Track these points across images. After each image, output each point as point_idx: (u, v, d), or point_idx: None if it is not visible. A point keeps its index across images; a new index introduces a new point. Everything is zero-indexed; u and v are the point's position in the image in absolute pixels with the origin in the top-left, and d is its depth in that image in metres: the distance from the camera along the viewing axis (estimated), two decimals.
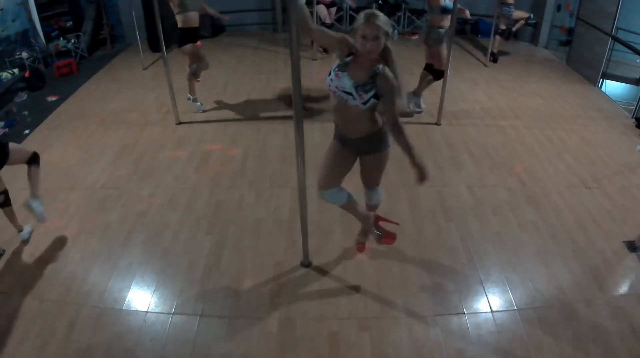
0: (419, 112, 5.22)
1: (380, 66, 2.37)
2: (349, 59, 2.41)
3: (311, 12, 6.75)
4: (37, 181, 3.32)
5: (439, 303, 2.85)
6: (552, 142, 4.72)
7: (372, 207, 3.03)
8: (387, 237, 3.00)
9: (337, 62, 2.46)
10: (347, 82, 2.38)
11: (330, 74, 2.45)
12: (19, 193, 3.83)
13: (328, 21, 7.12)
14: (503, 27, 6.96)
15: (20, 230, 3.39)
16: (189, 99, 5.30)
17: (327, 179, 2.70)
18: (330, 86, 2.44)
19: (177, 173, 4.21)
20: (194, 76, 5.14)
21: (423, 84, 5.11)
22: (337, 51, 2.46)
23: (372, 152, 2.67)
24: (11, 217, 3.34)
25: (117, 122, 5.17)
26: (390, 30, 2.33)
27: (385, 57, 2.39)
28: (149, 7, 6.96)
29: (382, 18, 2.31)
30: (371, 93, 2.37)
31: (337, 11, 8.21)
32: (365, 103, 2.40)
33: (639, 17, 6.65)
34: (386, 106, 2.41)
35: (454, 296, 2.90)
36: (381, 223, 3.01)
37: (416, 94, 5.19)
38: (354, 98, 2.38)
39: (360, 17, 2.32)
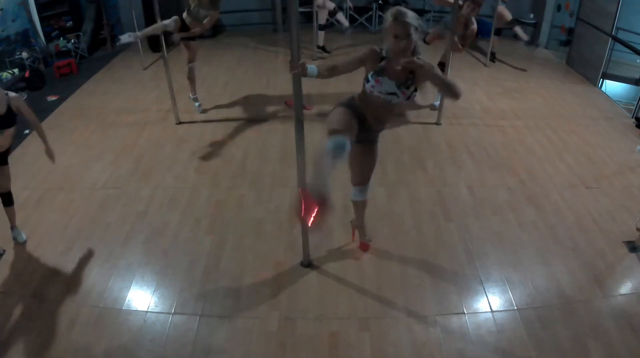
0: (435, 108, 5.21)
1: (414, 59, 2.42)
2: (383, 63, 2.44)
3: (312, 12, 6.78)
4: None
5: (439, 303, 2.85)
6: (552, 142, 4.72)
7: (364, 204, 3.07)
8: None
9: (370, 70, 2.48)
10: (389, 85, 2.45)
11: (368, 81, 2.48)
12: (19, 193, 3.84)
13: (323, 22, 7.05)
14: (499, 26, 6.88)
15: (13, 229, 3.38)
16: (190, 98, 5.31)
17: (365, 176, 2.86)
18: (372, 92, 2.48)
19: (177, 173, 4.21)
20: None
21: None
22: (367, 65, 2.49)
23: (376, 141, 2.77)
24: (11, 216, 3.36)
25: (117, 122, 5.17)
26: (418, 24, 2.35)
27: (413, 49, 2.43)
28: (149, 7, 6.95)
29: (409, 14, 2.32)
30: (412, 88, 2.46)
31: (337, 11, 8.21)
32: (408, 98, 2.49)
33: (639, 17, 6.64)
34: (436, 82, 2.46)
35: (454, 296, 2.90)
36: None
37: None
38: (398, 97, 2.47)
39: (388, 16, 2.34)
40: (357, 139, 2.67)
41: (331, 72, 2.56)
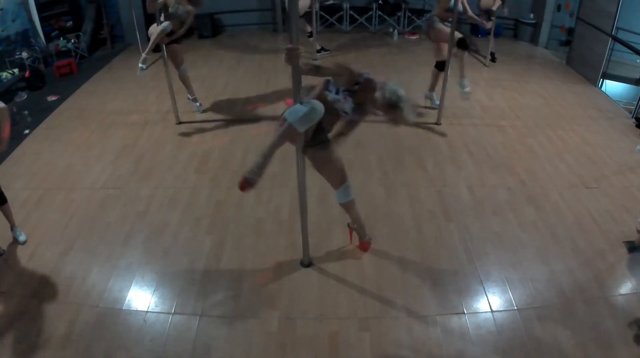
0: (435, 107, 5.23)
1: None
2: (357, 87, 2.60)
3: (311, 13, 6.75)
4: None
5: (439, 303, 2.85)
6: (552, 142, 4.72)
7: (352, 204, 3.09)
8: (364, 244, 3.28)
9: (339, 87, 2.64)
10: (349, 105, 2.65)
11: (337, 93, 2.63)
12: (19, 193, 3.85)
13: (309, 30, 6.98)
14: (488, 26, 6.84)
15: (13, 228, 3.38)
16: (189, 99, 5.31)
17: (341, 175, 2.93)
18: (334, 103, 2.65)
19: (177, 173, 4.21)
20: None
21: (433, 79, 5.24)
22: (342, 79, 2.61)
23: (329, 140, 2.91)
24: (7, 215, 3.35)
25: (117, 122, 5.17)
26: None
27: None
28: None
29: (405, 100, 2.51)
30: (358, 112, 2.71)
31: (337, 11, 8.21)
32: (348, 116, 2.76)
33: (639, 17, 6.64)
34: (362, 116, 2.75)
35: (454, 296, 2.90)
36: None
37: (431, 90, 5.32)
38: (346, 114, 2.71)
39: (392, 98, 2.49)
40: (315, 143, 2.75)
41: (316, 71, 2.58)
